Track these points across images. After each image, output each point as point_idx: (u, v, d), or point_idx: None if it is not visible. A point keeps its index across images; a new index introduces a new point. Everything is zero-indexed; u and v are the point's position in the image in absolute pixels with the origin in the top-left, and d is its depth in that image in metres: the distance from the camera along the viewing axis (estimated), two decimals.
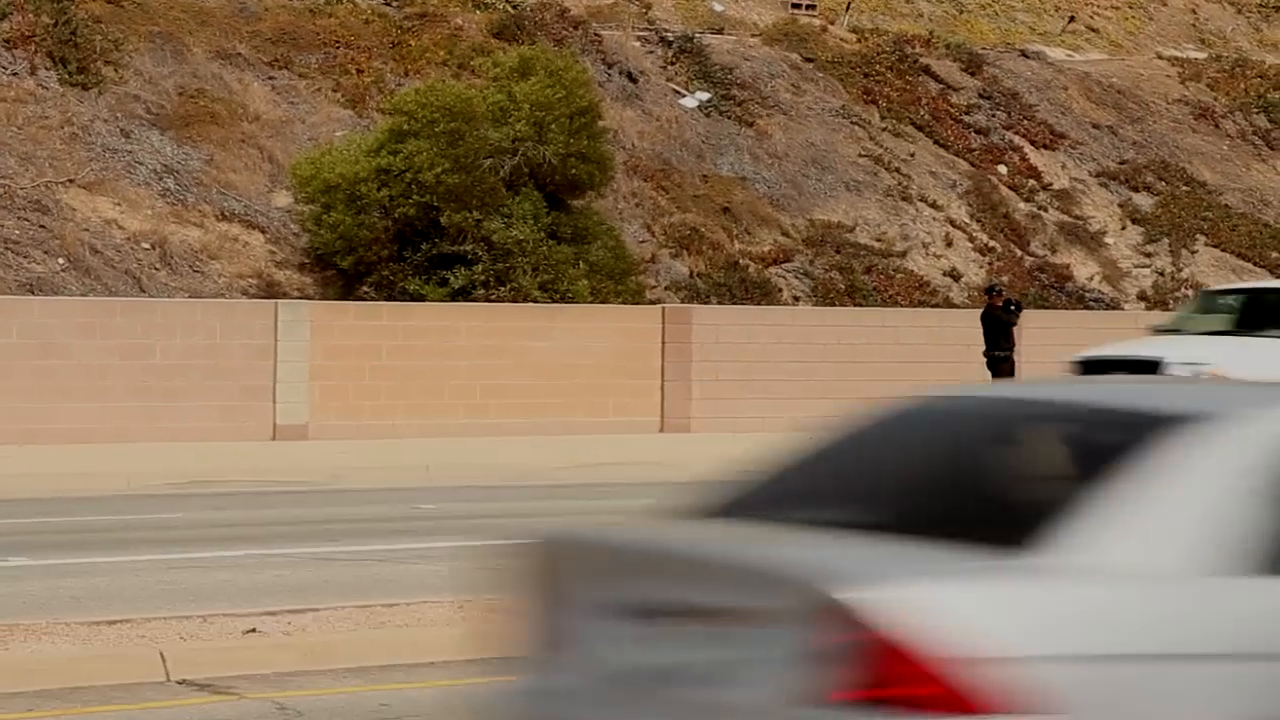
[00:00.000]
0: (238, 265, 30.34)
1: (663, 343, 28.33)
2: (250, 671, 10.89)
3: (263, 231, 30.94)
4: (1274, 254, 38.45)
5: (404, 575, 14.54)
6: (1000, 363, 28.94)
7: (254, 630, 11.54)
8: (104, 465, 22.31)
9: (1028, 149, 38.80)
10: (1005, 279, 35.44)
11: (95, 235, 29.62)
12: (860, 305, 32.86)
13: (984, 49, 41.27)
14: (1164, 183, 39.29)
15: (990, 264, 35.70)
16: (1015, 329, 28.97)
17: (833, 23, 40.92)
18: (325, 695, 10.54)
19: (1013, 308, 29.09)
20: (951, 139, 38.19)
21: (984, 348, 29.07)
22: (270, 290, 29.81)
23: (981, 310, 29.63)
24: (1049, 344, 30.64)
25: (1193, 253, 37.88)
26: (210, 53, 33.62)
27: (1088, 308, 35.18)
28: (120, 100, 32.04)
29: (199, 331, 25.92)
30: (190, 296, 28.73)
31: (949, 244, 35.76)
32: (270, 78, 33.67)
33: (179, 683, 10.68)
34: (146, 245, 29.87)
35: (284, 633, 11.50)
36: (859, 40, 40.18)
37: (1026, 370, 30.49)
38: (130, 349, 25.54)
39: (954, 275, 35.11)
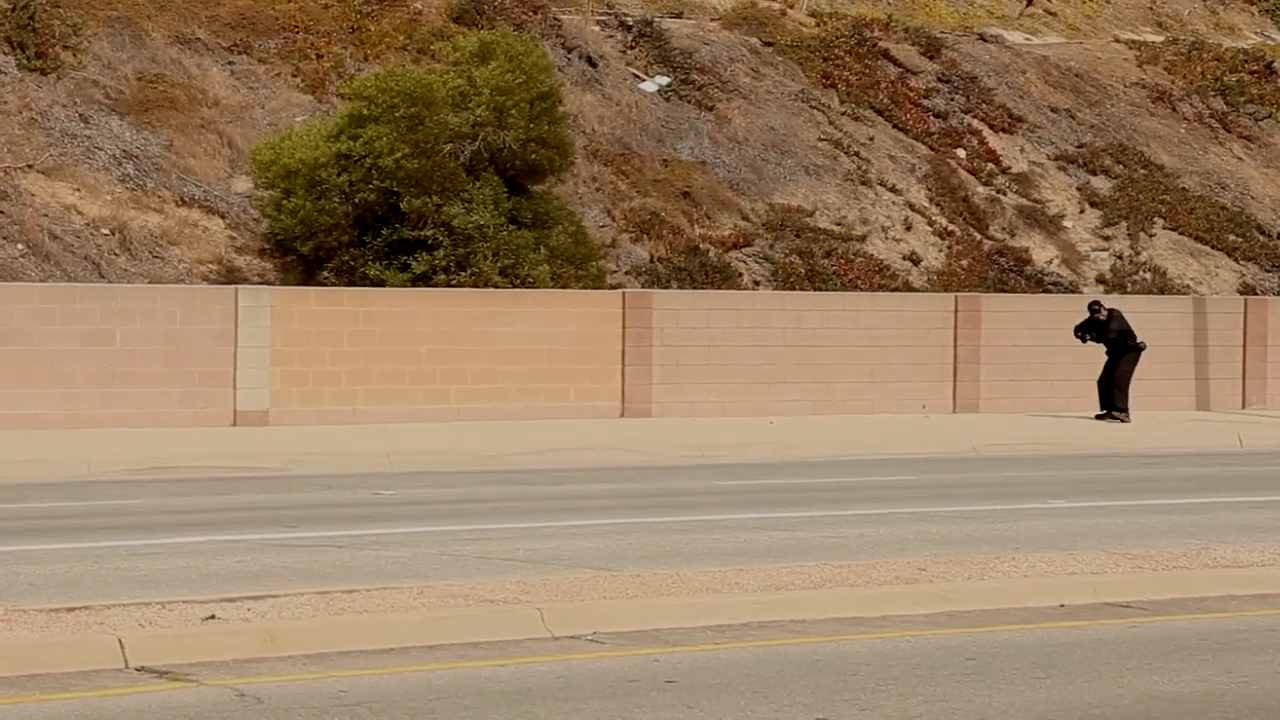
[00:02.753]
0: (198, 251, 30.31)
1: (623, 328, 28.39)
2: (209, 658, 10.94)
3: (223, 217, 30.91)
4: (1231, 236, 38.64)
5: (364, 561, 14.59)
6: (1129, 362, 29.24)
7: (213, 617, 11.58)
8: (63, 451, 22.30)
9: (986, 133, 38.93)
10: (965, 263, 35.58)
11: (54, 221, 29.56)
12: (820, 289, 32.97)
13: (942, 33, 41.38)
14: (1122, 166, 39.46)
15: (949, 248, 35.84)
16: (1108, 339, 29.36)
17: (792, 6, 41.00)
18: (284, 681, 10.59)
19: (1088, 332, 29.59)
20: (910, 123, 38.30)
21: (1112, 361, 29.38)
22: (230, 276, 29.79)
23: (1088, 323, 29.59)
24: (1009, 328, 30.77)
25: (1151, 236, 38.05)
26: (169, 38, 33.55)
27: (1046, 291, 35.34)
28: (79, 85, 31.96)
29: (159, 317, 25.89)
30: (150, 282, 28.69)
31: (908, 228, 35.88)
32: (229, 63, 33.62)
33: (138, 669, 10.72)
34: (106, 231, 29.83)
35: (243, 619, 11.55)
36: (818, 24, 40.27)
37: (986, 357, 30.62)
38: (90, 335, 25.51)
39: (913, 259, 35.23)
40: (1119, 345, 29.53)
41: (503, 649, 11.48)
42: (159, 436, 24.22)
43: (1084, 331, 29.64)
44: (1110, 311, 29.78)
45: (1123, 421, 28.96)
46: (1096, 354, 30.62)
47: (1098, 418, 29.48)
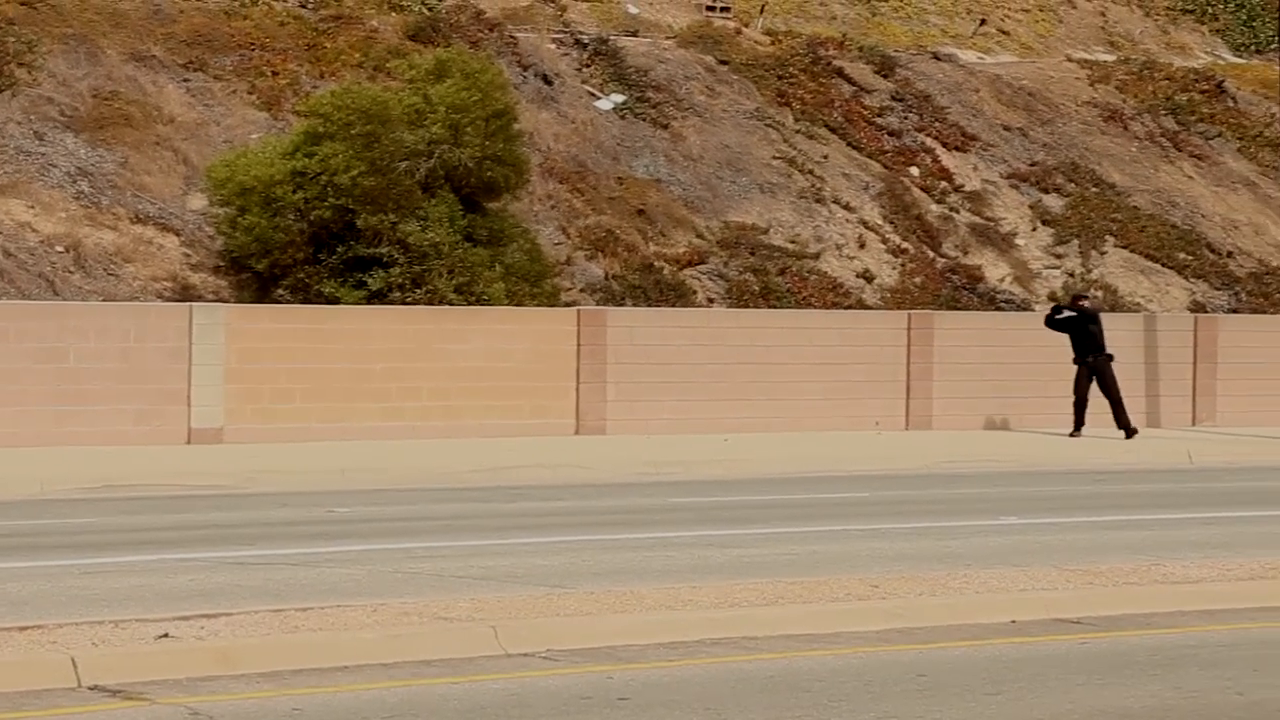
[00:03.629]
0: (152, 268, 30.27)
1: (578, 345, 28.45)
2: (163, 676, 10.94)
3: (177, 234, 30.88)
4: (1181, 255, 38.91)
5: (318, 579, 14.60)
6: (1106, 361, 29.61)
7: (166, 635, 11.58)
8: (16, 469, 22.23)
9: (940, 151, 39.13)
10: (918, 280, 35.75)
11: (8, 238, 29.49)
12: (774, 307, 33.08)
13: (896, 51, 41.58)
14: (1074, 184, 39.70)
15: (903, 265, 36.00)
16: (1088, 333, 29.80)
17: (747, 25, 41.15)
18: (238, 700, 10.61)
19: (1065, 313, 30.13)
20: (864, 141, 38.48)
21: (1078, 354, 29.70)
22: (185, 293, 29.76)
23: (1083, 312, 29.99)
24: (962, 345, 30.93)
25: (1102, 254, 38.29)
26: (125, 55, 33.52)
27: (999, 309, 35.52)
28: (34, 102, 31.90)
29: (113, 335, 25.86)
30: (104, 300, 28.64)
31: (862, 245, 36.04)
32: (185, 80, 33.60)
33: (91, 688, 10.72)
34: (60, 248, 29.76)
35: (197, 637, 11.56)
36: (773, 43, 40.42)
37: (939, 374, 30.78)
38: (44, 353, 25.45)
39: (867, 277, 35.38)
40: (1082, 334, 29.68)
41: (457, 667, 11.52)
42: (113, 455, 24.17)
43: (1055, 312, 30.12)
44: (1091, 307, 30.42)
45: (1128, 436, 29.32)
46: (1048, 371, 30.80)
47: (1071, 435, 29.64)
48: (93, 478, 21.98)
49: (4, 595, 13.58)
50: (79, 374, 25.61)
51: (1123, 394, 29.83)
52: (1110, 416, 29.69)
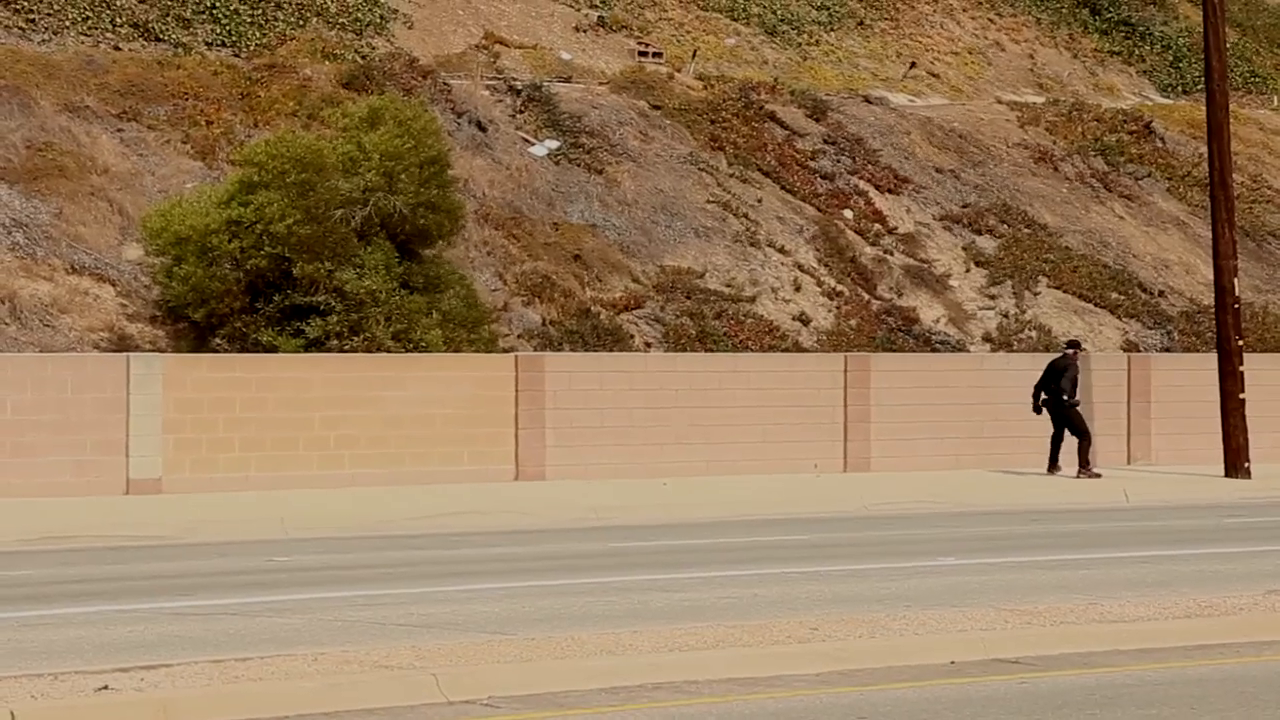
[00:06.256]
0: (89, 319, 30.18)
1: (516, 391, 28.49)
2: None
3: (114, 285, 30.81)
4: (1113, 294, 39.25)
5: (258, 629, 14.59)
6: (1074, 408, 29.76)
7: (106, 687, 11.57)
8: None
9: (872, 193, 39.38)
10: (854, 323, 35.95)
11: None
12: (711, 351, 33.20)
13: (828, 95, 41.86)
14: (1006, 225, 40.01)
15: (838, 308, 36.20)
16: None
17: (679, 70, 41.37)
18: None
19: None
20: (798, 184, 38.70)
21: (1055, 397, 29.87)
22: (122, 344, 29.67)
23: (1056, 359, 30.33)
24: (898, 386, 31.11)
25: (1035, 294, 38.58)
26: (58, 105, 33.46)
27: (935, 350, 35.74)
28: None
29: (50, 386, 25.76)
30: (41, 351, 28.54)
31: (797, 288, 36.22)
32: (119, 130, 33.56)
33: None
34: None
35: (136, 689, 11.55)
36: (705, 88, 40.65)
37: (876, 416, 30.93)
38: None
39: (803, 319, 35.55)
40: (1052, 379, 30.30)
41: (398, 715, 11.54)
42: (51, 506, 24.06)
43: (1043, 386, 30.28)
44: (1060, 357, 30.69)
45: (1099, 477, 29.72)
46: (983, 411, 30.99)
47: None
48: (30, 530, 21.88)
49: None
50: (16, 426, 25.50)
51: (1069, 435, 30.29)
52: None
